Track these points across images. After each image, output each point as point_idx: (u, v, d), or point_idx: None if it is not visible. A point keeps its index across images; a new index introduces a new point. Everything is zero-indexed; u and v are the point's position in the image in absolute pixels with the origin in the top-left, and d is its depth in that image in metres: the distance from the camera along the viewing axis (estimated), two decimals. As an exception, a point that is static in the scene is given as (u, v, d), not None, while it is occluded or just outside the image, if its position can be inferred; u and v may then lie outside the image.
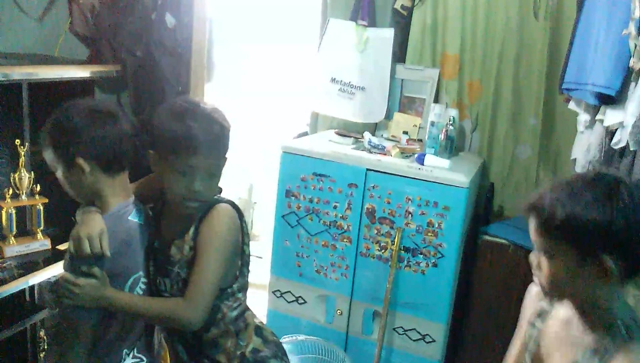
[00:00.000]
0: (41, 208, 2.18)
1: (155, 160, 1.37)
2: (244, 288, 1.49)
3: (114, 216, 1.35)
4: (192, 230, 1.37)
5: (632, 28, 1.89)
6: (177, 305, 1.34)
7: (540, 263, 1.10)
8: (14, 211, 2.10)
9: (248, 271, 1.50)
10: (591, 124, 2.21)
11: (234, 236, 1.40)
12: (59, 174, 1.38)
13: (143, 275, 1.41)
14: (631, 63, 1.92)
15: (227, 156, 1.41)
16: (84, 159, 1.33)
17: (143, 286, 1.42)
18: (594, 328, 1.08)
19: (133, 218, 1.40)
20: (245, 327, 1.47)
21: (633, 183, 1.04)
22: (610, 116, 2.04)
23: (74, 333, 1.32)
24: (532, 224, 1.10)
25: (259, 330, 1.51)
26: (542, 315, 1.26)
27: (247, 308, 1.51)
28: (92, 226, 1.28)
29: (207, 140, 1.31)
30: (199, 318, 1.31)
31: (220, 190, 1.47)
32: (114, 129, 1.35)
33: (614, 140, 2.03)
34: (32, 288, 2.11)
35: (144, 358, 1.46)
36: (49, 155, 1.37)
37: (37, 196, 2.16)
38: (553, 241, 1.06)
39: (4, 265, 2.03)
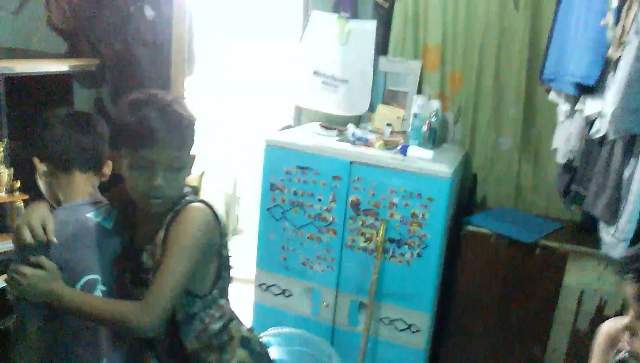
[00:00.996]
0: (21, 204, 2.14)
1: (117, 158, 1.30)
2: (225, 293, 1.40)
3: (66, 209, 1.34)
4: (162, 232, 1.28)
5: (609, 18, 1.92)
6: (131, 307, 1.21)
7: (635, 328, 1.02)
8: (-8, 209, 2.07)
9: (229, 274, 1.40)
10: (571, 114, 2.24)
11: (206, 237, 1.29)
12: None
13: (99, 280, 1.33)
14: (609, 53, 1.95)
15: (192, 150, 1.33)
16: (39, 159, 1.38)
17: (100, 294, 1.34)
18: None
19: (94, 217, 1.35)
20: (230, 339, 1.39)
21: None
22: (590, 106, 2.07)
23: (21, 332, 1.27)
24: (633, 289, 1.00)
25: (245, 341, 1.42)
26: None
27: (232, 318, 1.42)
28: (34, 213, 1.24)
29: (164, 129, 1.22)
30: (153, 323, 1.19)
31: (195, 191, 1.39)
32: (66, 129, 1.38)
33: (593, 129, 2.07)
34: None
35: None
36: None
37: (17, 193, 2.12)
38: None
39: (-16, 262, 1.99)
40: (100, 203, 1.39)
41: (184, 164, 1.29)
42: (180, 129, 1.26)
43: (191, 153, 1.33)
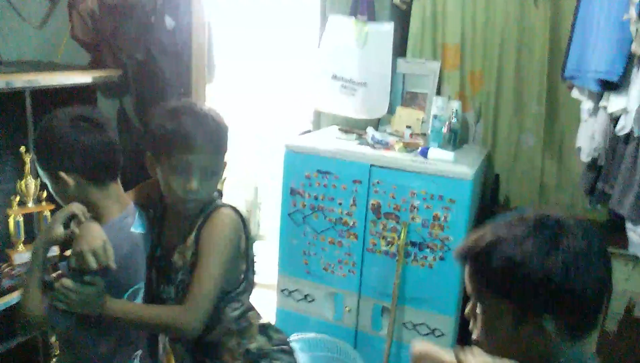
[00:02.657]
0: (48, 214, 2.19)
1: (152, 162, 1.35)
2: (248, 290, 1.47)
3: (114, 228, 1.31)
4: (193, 234, 1.35)
5: (632, 12, 1.87)
6: (176, 312, 1.29)
7: (475, 314, 0.98)
8: (21, 219, 2.12)
9: (254, 273, 1.47)
10: (595, 111, 2.19)
11: (235, 240, 1.37)
12: (49, 186, 1.35)
13: (143, 285, 1.39)
14: (633, 48, 1.90)
15: (225, 157, 1.39)
16: (66, 172, 1.28)
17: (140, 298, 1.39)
18: None
19: (135, 229, 1.36)
20: (249, 325, 1.46)
21: (576, 226, 0.93)
22: (614, 102, 2.03)
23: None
24: (467, 272, 0.98)
25: (263, 328, 1.50)
26: None
27: (250, 308, 1.48)
28: (95, 239, 1.22)
29: (201, 135, 1.29)
30: (199, 325, 1.28)
31: (220, 194, 1.45)
32: (96, 137, 1.30)
33: (618, 126, 2.02)
34: (42, 294, 2.12)
35: None
36: (38, 167, 1.35)
37: (43, 203, 2.17)
38: (489, 293, 0.94)
39: (13, 272, 2.05)
40: (133, 209, 1.39)
41: (217, 169, 1.36)
42: (216, 135, 1.33)
43: (224, 159, 1.39)
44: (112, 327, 1.33)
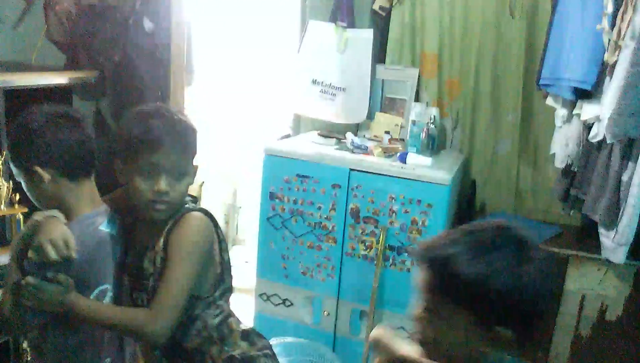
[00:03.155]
0: (21, 217, 2.14)
1: (120, 167, 1.34)
2: (226, 295, 1.45)
3: (81, 224, 1.30)
4: (162, 239, 1.32)
5: (605, 23, 1.93)
6: (141, 316, 1.26)
7: (424, 317, 0.98)
8: (-7, 222, 2.07)
9: (230, 277, 1.45)
10: (569, 118, 2.25)
11: (205, 245, 1.34)
12: (22, 182, 1.33)
13: (110, 287, 1.36)
14: (605, 57, 1.96)
15: (195, 159, 1.37)
16: (41, 167, 1.27)
17: (109, 300, 1.37)
18: None
19: (104, 228, 1.35)
20: (230, 332, 1.43)
21: (534, 243, 0.96)
22: (587, 110, 2.08)
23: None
24: (425, 278, 0.97)
25: (245, 334, 1.47)
26: None
27: (230, 314, 1.46)
28: (54, 231, 1.22)
29: (168, 136, 1.28)
30: (164, 331, 1.24)
31: (195, 200, 1.44)
32: (73, 133, 1.30)
33: (591, 134, 2.07)
34: (13, 299, 2.07)
35: None
36: (12, 164, 1.33)
37: (16, 206, 2.13)
38: (448, 301, 0.94)
39: (-16, 275, 1.99)
40: (105, 210, 1.38)
41: (186, 171, 1.34)
42: (183, 136, 1.32)
43: (194, 163, 1.37)
44: (81, 330, 1.32)
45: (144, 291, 1.35)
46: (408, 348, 1.06)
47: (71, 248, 1.22)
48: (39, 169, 1.28)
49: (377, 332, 1.18)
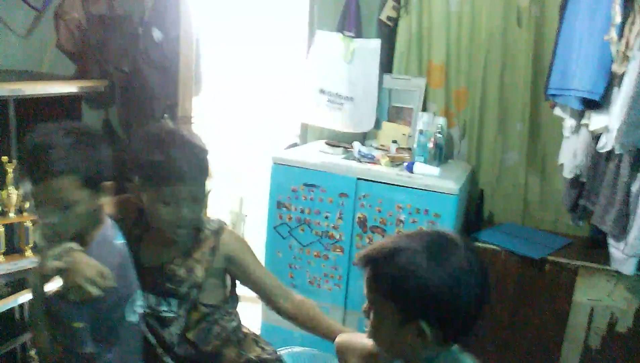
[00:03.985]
0: (30, 225, 2.15)
1: (136, 189, 1.35)
2: (236, 302, 1.54)
3: (103, 243, 1.29)
4: (206, 252, 1.40)
5: (613, 33, 1.93)
6: (281, 294, 1.49)
7: (369, 314, 1.08)
8: (2, 229, 2.07)
9: (236, 285, 1.55)
10: (577, 129, 2.24)
11: None
12: (45, 211, 1.24)
13: (137, 295, 1.38)
14: (614, 68, 1.95)
15: (209, 180, 1.41)
16: (86, 187, 1.24)
17: (139, 307, 1.38)
18: None
19: (119, 238, 1.35)
20: (245, 337, 1.52)
21: (463, 246, 1.01)
22: (596, 121, 2.07)
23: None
24: (365, 275, 1.07)
25: (255, 340, 1.56)
26: None
27: (240, 321, 1.55)
28: (87, 268, 1.20)
29: (189, 165, 1.30)
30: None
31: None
32: (99, 149, 1.28)
33: (600, 144, 2.06)
34: (21, 306, 2.08)
35: None
36: (45, 191, 1.23)
37: (25, 214, 2.14)
38: (380, 296, 1.03)
39: (-7, 283, 2.00)
40: (110, 221, 1.37)
41: (204, 194, 1.39)
42: (202, 162, 1.36)
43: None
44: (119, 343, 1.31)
45: (173, 296, 1.40)
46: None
47: (109, 277, 1.22)
48: (78, 191, 1.23)
49: (341, 337, 1.29)
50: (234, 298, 1.53)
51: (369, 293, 1.06)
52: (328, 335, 1.42)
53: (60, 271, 1.23)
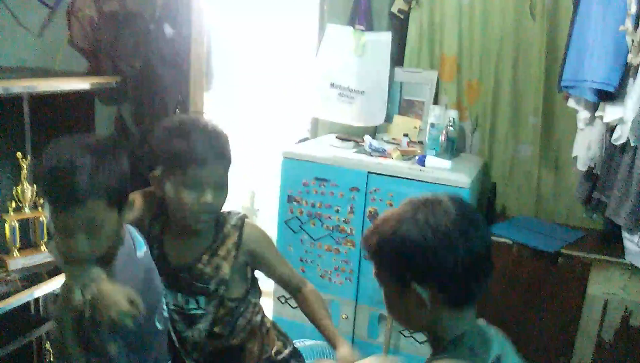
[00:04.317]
0: (44, 220, 2.18)
1: (159, 180, 1.35)
2: (259, 293, 1.56)
3: (126, 260, 1.23)
4: (230, 248, 1.41)
5: (628, 24, 1.90)
6: (314, 292, 1.54)
7: (379, 286, 1.08)
8: (17, 224, 2.10)
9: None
10: (591, 121, 2.21)
11: None
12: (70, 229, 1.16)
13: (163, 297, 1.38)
14: (629, 58, 1.93)
15: (230, 169, 1.42)
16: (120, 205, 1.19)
17: (165, 311, 1.38)
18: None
19: (140, 250, 1.29)
20: (267, 331, 1.54)
21: (455, 207, 0.99)
22: (610, 112, 2.05)
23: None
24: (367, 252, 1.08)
25: (277, 334, 1.58)
26: None
27: (264, 315, 1.57)
28: (119, 301, 1.15)
29: (212, 150, 1.32)
30: None
31: None
32: (123, 161, 1.21)
33: (615, 136, 2.04)
34: (36, 300, 2.12)
35: None
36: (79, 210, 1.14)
37: (40, 209, 2.17)
38: (377, 267, 1.05)
39: (9, 278, 2.03)
40: (126, 228, 1.32)
41: (226, 181, 1.39)
42: (225, 148, 1.37)
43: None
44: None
45: (202, 294, 1.41)
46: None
47: (139, 303, 1.18)
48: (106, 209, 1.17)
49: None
50: (256, 290, 1.54)
51: (374, 271, 1.07)
52: (326, 338, 1.48)
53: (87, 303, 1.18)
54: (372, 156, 2.42)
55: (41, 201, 2.15)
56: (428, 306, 0.98)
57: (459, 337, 1.00)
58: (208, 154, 1.31)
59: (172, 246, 1.43)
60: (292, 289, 1.54)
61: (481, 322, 1.07)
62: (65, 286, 1.21)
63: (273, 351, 1.52)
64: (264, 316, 1.56)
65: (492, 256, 1.02)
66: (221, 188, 1.36)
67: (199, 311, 1.42)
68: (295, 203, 2.45)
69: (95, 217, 1.14)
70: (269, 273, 1.52)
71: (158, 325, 1.31)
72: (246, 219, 1.46)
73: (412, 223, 0.97)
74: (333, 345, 1.42)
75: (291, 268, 1.55)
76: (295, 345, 1.65)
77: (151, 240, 1.40)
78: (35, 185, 1.25)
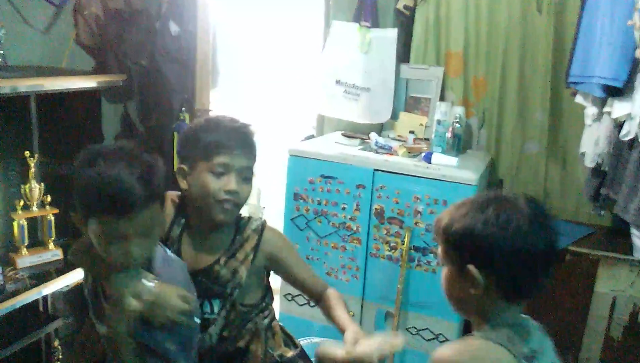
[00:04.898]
0: (52, 218, 2.19)
1: (185, 172, 1.37)
2: (272, 296, 1.55)
3: (163, 260, 1.26)
4: (248, 251, 1.41)
5: (636, 19, 1.88)
6: (334, 293, 1.50)
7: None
8: (25, 223, 2.12)
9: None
10: (599, 116, 2.20)
11: None
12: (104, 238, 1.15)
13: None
14: (637, 54, 1.91)
15: (255, 165, 1.42)
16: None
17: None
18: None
19: (169, 252, 1.32)
20: (273, 335, 1.52)
21: (522, 202, 1.03)
22: (618, 108, 2.03)
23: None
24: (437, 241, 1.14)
25: (284, 338, 1.56)
26: None
27: (274, 318, 1.55)
28: (176, 302, 1.18)
29: (240, 138, 1.36)
30: None
31: None
32: (158, 162, 1.20)
33: (623, 132, 2.02)
34: (45, 298, 2.13)
35: None
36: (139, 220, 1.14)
37: (47, 207, 2.18)
38: (441, 248, 1.09)
39: (17, 276, 2.05)
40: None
41: (251, 175, 1.40)
42: (251, 140, 1.41)
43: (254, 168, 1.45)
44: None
45: (218, 297, 1.40)
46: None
47: (191, 299, 1.20)
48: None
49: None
50: (269, 294, 1.52)
51: (440, 252, 1.11)
52: (339, 328, 1.42)
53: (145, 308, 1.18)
54: (378, 153, 2.41)
55: (48, 199, 2.17)
56: (482, 293, 1.02)
57: (499, 323, 1.05)
58: (236, 142, 1.35)
59: (190, 249, 1.43)
60: (314, 295, 1.51)
61: (526, 317, 1.12)
62: (114, 295, 1.18)
63: (277, 354, 1.50)
64: (273, 319, 1.54)
65: (554, 260, 1.08)
66: (246, 180, 1.37)
67: (213, 316, 1.41)
68: (301, 201, 2.45)
69: (152, 219, 1.16)
70: (289, 278, 1.50)
71: (196, 319, 1.29)
72: (266, 224, 1.46)
73: (481, 215, 1.01)
74: (342, 330, 1.38)
75: (313, 274, 1.52)
76: (302, 346, 1.63)
77: (170, 243, 1.41)
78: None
